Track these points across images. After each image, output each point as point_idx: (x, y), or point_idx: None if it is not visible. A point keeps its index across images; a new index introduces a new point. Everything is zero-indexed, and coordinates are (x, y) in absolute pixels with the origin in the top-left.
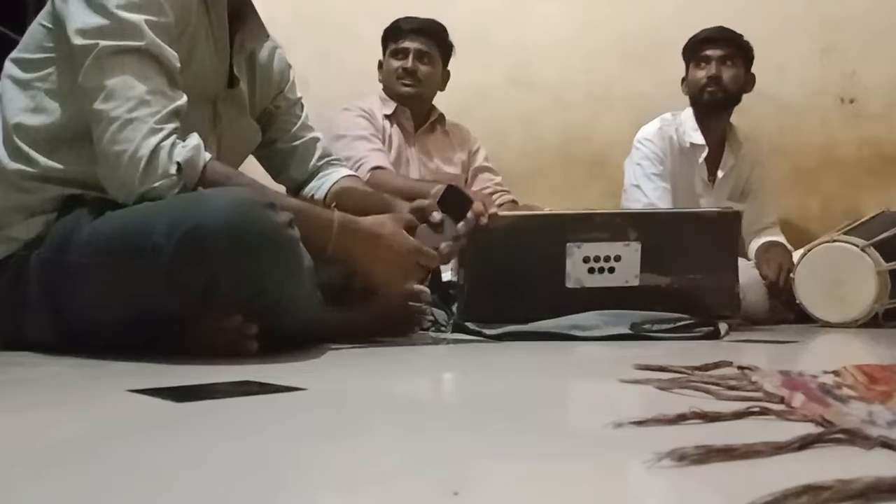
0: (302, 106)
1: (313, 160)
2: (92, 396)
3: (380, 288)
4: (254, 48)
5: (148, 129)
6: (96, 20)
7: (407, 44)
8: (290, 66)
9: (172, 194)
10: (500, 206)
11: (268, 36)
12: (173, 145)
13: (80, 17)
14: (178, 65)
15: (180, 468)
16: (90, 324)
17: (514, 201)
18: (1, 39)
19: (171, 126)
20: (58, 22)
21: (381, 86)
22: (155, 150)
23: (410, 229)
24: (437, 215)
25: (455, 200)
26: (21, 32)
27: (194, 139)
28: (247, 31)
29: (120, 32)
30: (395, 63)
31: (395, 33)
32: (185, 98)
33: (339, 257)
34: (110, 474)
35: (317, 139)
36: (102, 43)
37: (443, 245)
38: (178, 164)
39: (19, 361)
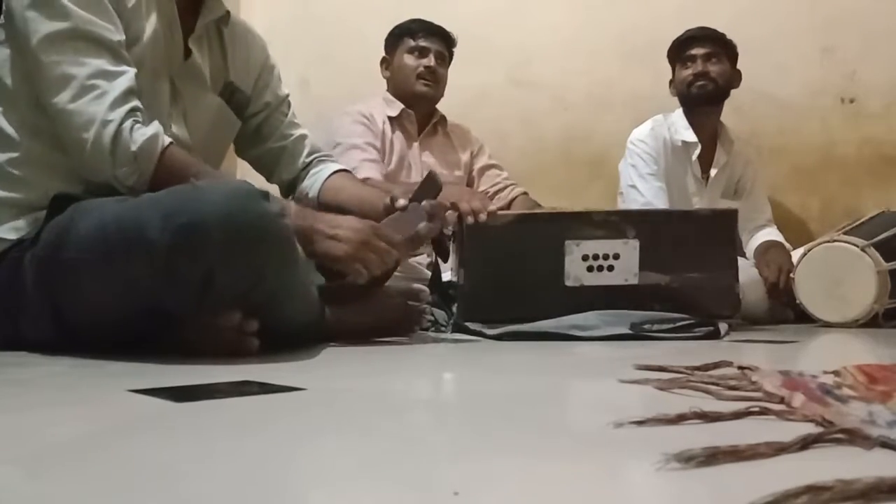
0: (289, 104)
1: (302, 157)
2: (92, 396)
3: (344, 268)
4: (217, 21)
5: (97, 114)
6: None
7: (427, 44)
8: (275, 66)
9: (130, 182)
10: (512, 199)
11: (227, 10)
12: (131, 128)
13: (18, 6)
14: (119, 37)
15: (180, 468)
16: (89, 321)
17: (525, 193)
18: None
19: (126, 107)
20: (9, 14)
21: (383, 85)
22: (113, 135)
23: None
24: (402, 201)
25: (429, 188)
26: None
27: (153, 127)
28: (206, 9)
29: (47, 14)
30: (415, 62)
31: (410, 32)
32: (132, 71)
33: (298, 235)
34: (110, 474)
35: (304, 136)
36: (38, 30)
37: (421, 226)
38: (134, 153)
39: (19, 361)
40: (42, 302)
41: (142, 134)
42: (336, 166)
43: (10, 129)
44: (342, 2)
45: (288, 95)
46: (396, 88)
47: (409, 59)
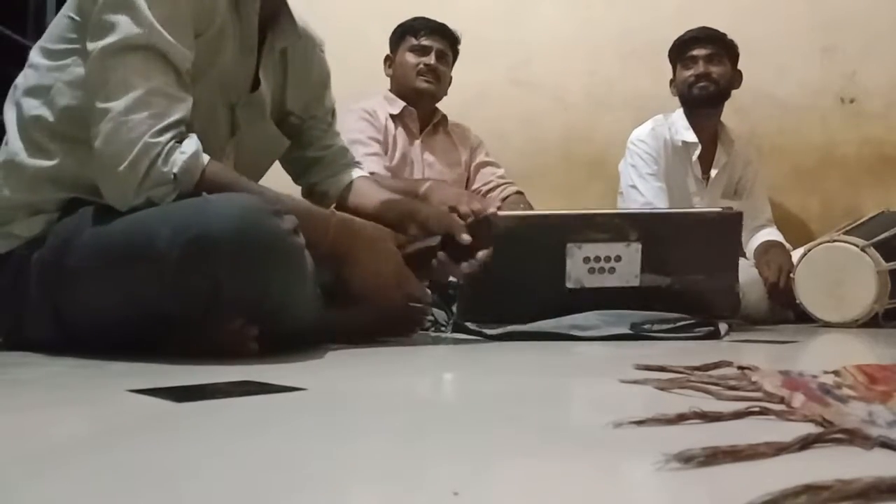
0: (334, 112)
1: (338, 166)
2: (92, 396)
3: (363, 293)
4: (285, 47)
5: (146, 133)
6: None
7: (429, 42)
8: (329, 72)
9: (169, 201)
10: (505, 198)
11: (300, 36)
12: (171, 150)
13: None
14: (189, 65)
15: (180, 468)
16: (90, 326)
17: (519, 192)
18: (1, 40)
19: (172, 133)
20: (82, 12)
21: (385, 84)
22: (153, 158)
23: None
24: (466, 237)
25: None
26: (22, 32)
27: (192, 144)
28: (278, 32)
29: (128, 22)
30: (415, 59)
31: (414, 30)
32: (190, 101)
33: (332, 255)
34: (110, 474)
35: (346, 149)
36: (108, 38)
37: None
38: (175, 174)
39: (19, 361)
40: (43, 303)
41: (182, 153)
42: (361, 172)
43: (45, 139)
44: (346, 2)
45: (334, 104)
46: (398, 86)
47: (411, 57)
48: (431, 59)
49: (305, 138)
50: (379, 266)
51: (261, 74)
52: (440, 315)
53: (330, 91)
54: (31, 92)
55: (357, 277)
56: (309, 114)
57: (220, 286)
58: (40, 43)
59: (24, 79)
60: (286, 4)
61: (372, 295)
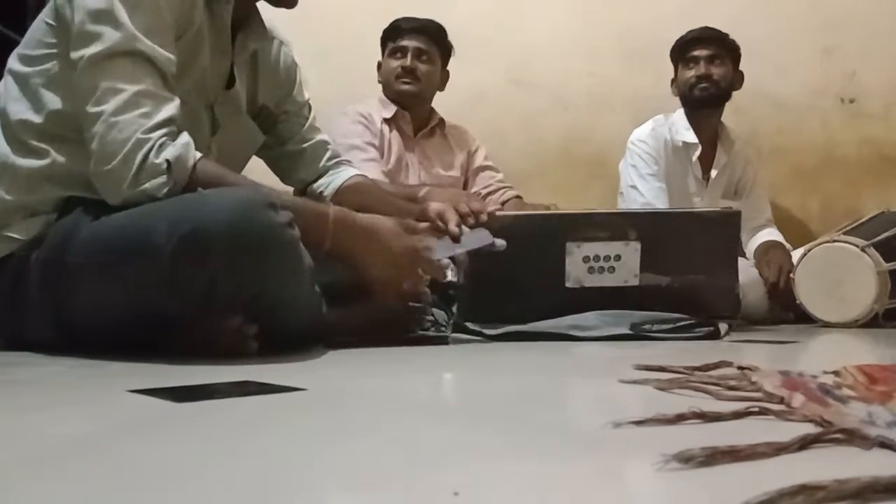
0: (310, 108)
1: (323, 161)
2: (92, 396)
3: (377, 284)
4: (256, 49)
5: (137, 131)
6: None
7: (405, 42)
8: (297, 66)
9: (162, 193)
10: (504, 202)
11: (272, 38)
12: (163, 144)
13: (79, 18)
14: (174, 69)
15: (180, 469)
16: (90, 324)
17: (518, 197)
18: (1, 40)
19: (163, 130)
20: (59, 19)
21: (380, 87)
22: (146, 153)
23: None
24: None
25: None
26: (21, 32)
27: (184, 137)
28: (249, 32)
29: (110, 32)
30: (394, 62)
31: (394, 33)
32: (177, 101)
33: (336, 253)
34: (110, 475)
35: (326, 142)
36: (93, 47)
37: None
38: (168, 161)
39: (19, 361)
40: (44, 302)
41: (174, 146)
42: (354, 171)
43: (33, 140)
44: (340, 2)
45: (308, 100)
46: (385, 90)
47: (392, 61)
48: (407, 61)
49: (284, 133)
50: (381, 261)
51: (234, 72)
52: (440, 315)
53: (301, 86)
54: (15, 98)
55: (362, 271)
56: (282, 109)
57: (216, 280)
58: (18, 50)
59: (3, 86)
60: (255, 7)
61: (372, 291)
